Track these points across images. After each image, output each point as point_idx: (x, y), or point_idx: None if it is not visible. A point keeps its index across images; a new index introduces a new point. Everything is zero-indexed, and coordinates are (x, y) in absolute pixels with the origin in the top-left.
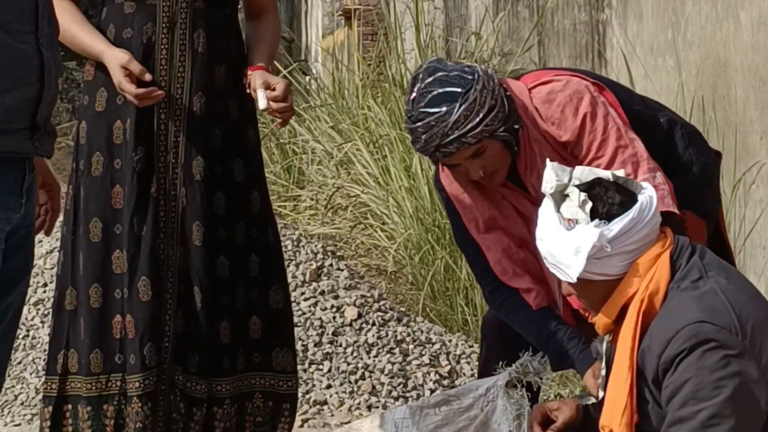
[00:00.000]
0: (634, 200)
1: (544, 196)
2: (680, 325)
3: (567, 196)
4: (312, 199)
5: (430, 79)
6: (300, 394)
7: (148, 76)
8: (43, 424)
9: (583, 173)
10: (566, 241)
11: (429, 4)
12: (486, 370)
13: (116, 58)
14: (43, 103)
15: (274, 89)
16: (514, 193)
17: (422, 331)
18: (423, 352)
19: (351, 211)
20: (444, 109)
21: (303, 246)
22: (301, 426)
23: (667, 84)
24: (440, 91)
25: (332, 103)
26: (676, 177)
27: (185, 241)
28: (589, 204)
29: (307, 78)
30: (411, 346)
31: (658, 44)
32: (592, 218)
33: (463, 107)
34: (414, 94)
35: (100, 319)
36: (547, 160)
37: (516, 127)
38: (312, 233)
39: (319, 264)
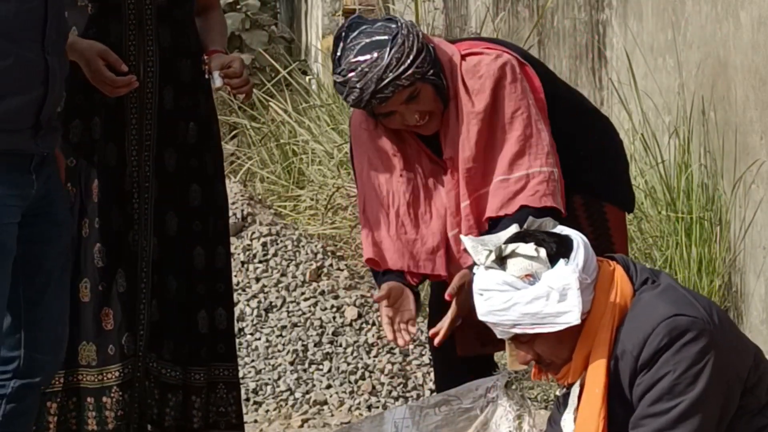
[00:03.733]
0: (566, 236)
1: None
2: (655, 322)
3: (507, 257)
4: (312, 199)
5: (354, 33)
6: (300, 394)
7: (124, 67)
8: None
9: (497, 238)
10: (541, 293)
11: (429, 4)
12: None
13: (93, 47)
14: (47, 104)
15: (229, 67)
16: (422, 155)
17: (422, 331)
18: (423, 352)
19: (351, 211)
20: (375, 54)
21: (303, 246)
22: (301, 426)
23: (667, 84)
24: (367, 41)
25: (332, 104)
26: (592, 169)
27: (158, 232)
28: (543, 250)
29: (307, 78)
30: (411, 346)
31: (658, 44)
32: (551, 263)
33: (393, 50)
34: (339, 52)
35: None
36: (461, 236)
37: (441, 75)
38: (312, 233)
39: (319, 264)
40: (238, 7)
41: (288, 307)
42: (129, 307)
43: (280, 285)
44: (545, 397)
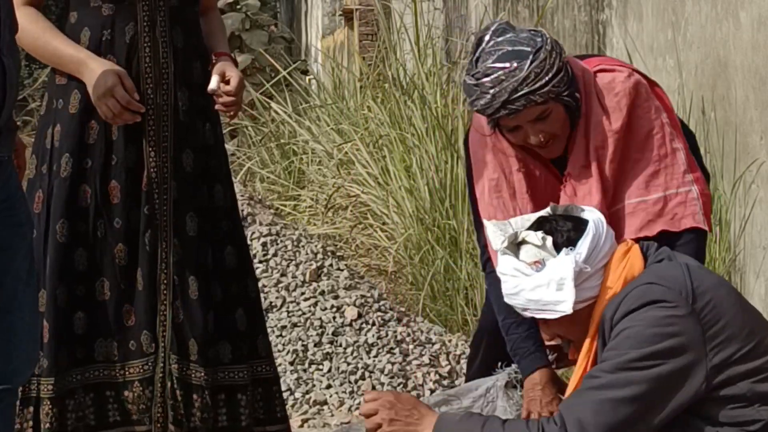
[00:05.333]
0: (584, 221)
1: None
2: (630, 288)
3: (521, 243)
4: (312, 199)
5: (499, 39)
6: (300, 394)
7: (136, 95)
8: (24, 425)
9: (519, 222)
10: (543, 281)
11: (429, 5)
12: (477, 376)
13: (111, 66)
14: (6, 107)
15: (228, 82)
16: (548, 173)
17: (422, 331)
18: (423, 352)
19: (351, 211)
20: (515, 64)
21: (303, 246)
22: (301, 426)
23: (667, 84)
24: (510, 48)
25: (332, 104)
26: None
27: (179, 232)
28: (550, 239)
29: (307, 78)
30: (411, 346)
31: (658, 44)
32: (557, 251)
33: (534, 64)
34: (478, 54)
35: (64, 317)
36: (485, 221)
37: (577, 95)
38: (312, 233)
39: (319, 264)
40: (238, 7)
41: (288, 307)
42: (149, 306)
43: (280, 285)
44: None
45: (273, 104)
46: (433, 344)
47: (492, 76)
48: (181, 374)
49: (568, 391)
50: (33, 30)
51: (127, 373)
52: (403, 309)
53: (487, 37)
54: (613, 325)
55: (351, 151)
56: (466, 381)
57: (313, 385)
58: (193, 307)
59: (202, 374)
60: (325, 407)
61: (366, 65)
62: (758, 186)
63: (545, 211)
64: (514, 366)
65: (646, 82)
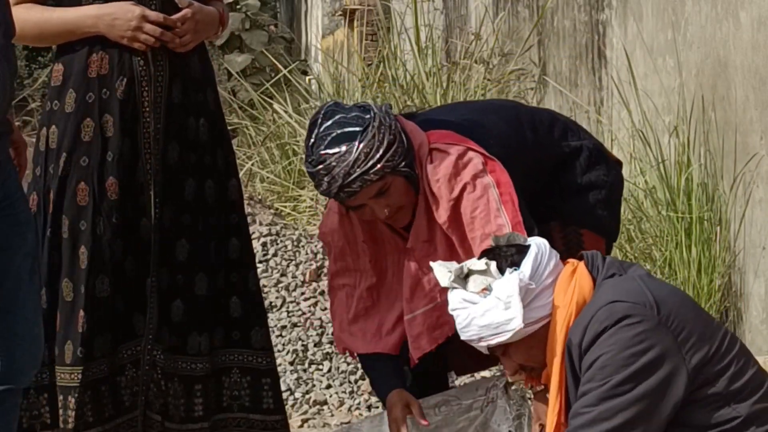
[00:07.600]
0: (527, 245)
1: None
2: (594, 310)
3: (467, 275)
4: (312, 199)
5: (328, 123)
6: (300, 394)
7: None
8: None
9: (468, 262)
10: (490, 305)
11: (429, 5)
12: None
13: (128, 5)
14: (0, 111)
15: (189, 6)
16: (397, 238)
17: None
18: None
19: None
20: (344, 148)
21: (303, 246)
22: (301, 426)
23: (667, 84)
24: (339, 132)
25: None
26: (574, 198)
27: (161, 226)
28: (493, 263)
29: (307, 78)
30: None
31: (658, 44)
32: (501, 273)
33: (362, 144)
34: (312, 139)
35: (71, 311)
36: (431, 262)
37: (414, 164)
38: (312, 233)
39: (319, 264)
40: (238, 7)
41: (288, 307)
42: (138, 292)
43: (280, 285)
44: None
45: (273, 104)
46: None
47: (324, 164)
48: (167, 363)
49: (548, 424)
50: (32, 15)
51: (116, 359)
52: None
53: (319, 121)
54: (583, 353)
55: None
56: None
57: (313, 385)
58: (167, 298)
59: (170, 363)
60: (325, 407)
61: (366, 65)
62: (758, 186)
63: (487, 242)
64: None
65: (481, 159)
